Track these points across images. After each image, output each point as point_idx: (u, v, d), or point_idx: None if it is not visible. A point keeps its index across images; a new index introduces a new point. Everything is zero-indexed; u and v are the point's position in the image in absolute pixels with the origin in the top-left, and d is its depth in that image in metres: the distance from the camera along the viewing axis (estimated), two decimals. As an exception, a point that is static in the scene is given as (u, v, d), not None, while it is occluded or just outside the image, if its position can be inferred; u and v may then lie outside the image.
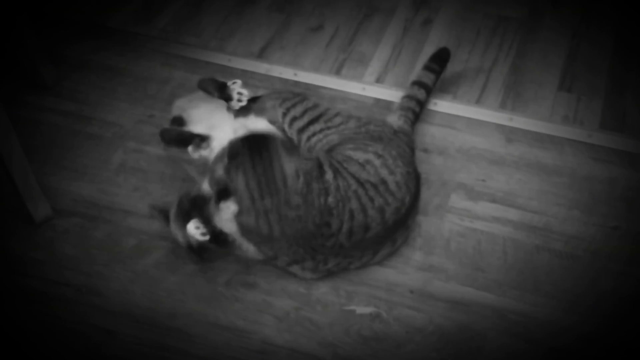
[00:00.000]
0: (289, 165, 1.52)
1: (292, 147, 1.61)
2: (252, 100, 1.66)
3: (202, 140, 1.59)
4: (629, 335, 1.54)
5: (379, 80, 2.04)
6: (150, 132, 1.91)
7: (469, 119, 1.93)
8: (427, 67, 1.94)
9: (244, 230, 1.55)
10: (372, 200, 1.56)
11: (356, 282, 1.62)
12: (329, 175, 1.56)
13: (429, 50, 2.10)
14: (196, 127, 1.63)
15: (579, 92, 2.00)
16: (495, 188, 1.78)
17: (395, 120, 1.80)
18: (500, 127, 1.91)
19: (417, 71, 1.98)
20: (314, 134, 1.70)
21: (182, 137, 1.61)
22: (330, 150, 1.66)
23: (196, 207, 1.58)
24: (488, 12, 2.21)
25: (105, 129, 1.93)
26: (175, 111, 1.72)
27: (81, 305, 1.60)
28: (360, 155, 1.62)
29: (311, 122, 1.71)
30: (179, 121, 1.67)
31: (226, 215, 1.54)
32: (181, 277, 1.63)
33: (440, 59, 1.96)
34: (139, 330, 1.56)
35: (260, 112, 1.66)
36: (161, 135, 1.67)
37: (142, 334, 1.55)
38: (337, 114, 1.74)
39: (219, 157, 1.56)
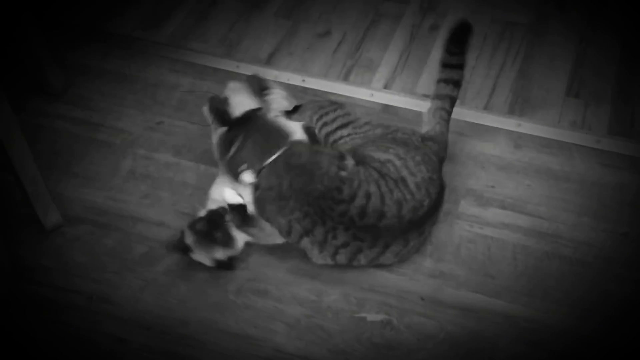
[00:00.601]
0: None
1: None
2: (294, 109, 1.77)
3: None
4: (636, 340, 1.53)
5: (387, 86, 2.05)
6: (159, 139, 1.92)
7: (477, 124, 1.94)
8: (449, 51, 1.79)
9: (259, 201, 1.60)
10: (391, 191, 1.58)
11: (367, 289, 1.62)
12: (349, 162, 1.60)
13: (436, 56, 2.10)
14: (234, 111, 1.71)
15: (586, 97, 2.00)
16: (505, 194, 1.78)
17: (432, 126, 1.76)
18: (508, 133, 1.92)
19: (425, 77, 1.99)
20: (340, 138, 1.72)
21: (223, 116, 1.70)
22: (352, 151, 1.68)
23: (213, 224, 1.62)
24: (495, 18, 2.22)
25: (114, 135, 1.93)
26: (227, 92, 1.78)
27: (92, 313, 1.60)
28: (381, 155, 1.64)
29: (339, 127, 1.74)
30: (224, 102, 1.73)
31: (246, 189, 1.62)
32: (192, 285, 1.64)
33: (459, 41, 1.79)
34: (150, 338, 1.56)
35: (298, 119, 1.75)
36: (210, 100, 1.74)
37: (152, 341, 1.55)
38: (366, 123, 1.77)
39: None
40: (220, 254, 1.62)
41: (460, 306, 1.59)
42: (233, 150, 1.65)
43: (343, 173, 1.58)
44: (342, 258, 1.60)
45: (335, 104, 1.83)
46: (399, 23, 2.21)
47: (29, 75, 2.00)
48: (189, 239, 1.62)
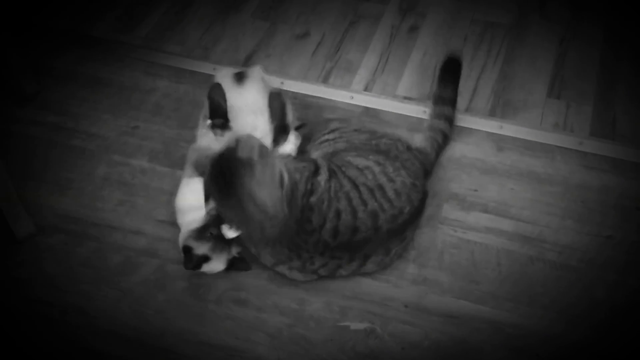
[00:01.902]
0: (263, 192, 1.45)
1: (266, 152, 1.51)
2: (299, 127, 1.76)
3: (222, 127, 1.64)
4: (624, 345, 1.52)
5: (367, 89, 2.02)
6: (134, 144, 1.87)
7: (459, 127, 1.91)
8: (442, 79, 1.86)
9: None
10: (364, 203, 1.54)
11: (349, 296, 1.59)
12: (322, 177, 1.54)
13: (416, 58, 2.09)
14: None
15: (568, 98, 1.99)
16: (488, 198, 1.76)
17: (421, 140, 1.78)
18: (490, 135, 1.90)
19: (406, 79, 1.96)
20: (326, 141, 1.70)
21: (217, 107, 1.65)
22: (333, 154, 1.65)
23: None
24: (475, 18, 2.20)
25: (88, 141, 1.88)
26: (219, 78, 1.75)
27: (67, 326, 1.55)
28: (360, 162, 1.60)
29: (328, 132, 1.72)
30: (220, 89, 1.70)
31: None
32: (170, 295, 1.59)
33: (452, 72, 1.87)
34: (128, 350, 1.52)
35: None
36: (211, 88, 1.70)
37: (130, 354, 1.51)
38: (355, 130, 1.74)
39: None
40: (234, 250, 1.59)
41: (444, 313, 1.56)
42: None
43: (312, 199, 1.51)
44: (323, 272, 1.57)
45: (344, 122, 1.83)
46: (378, 24, 2.18)
47: (-1, 80, 1.95)
48: (203, 249, 1.56)
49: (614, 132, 1.90)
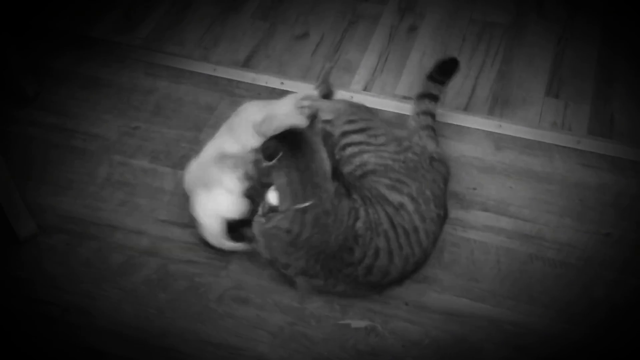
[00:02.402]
0: (327, 162, 1.51)
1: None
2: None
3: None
4: (623, 343, 1.53)
5: (366, 89, 2.02)
6: (135, 145, 1.88)
7: (457, 126, 1.92)
8: (432, 78, 1.83)
9: (269, 234, 1.53)
10: (400, 247, 1.53)
11: (350, 295, 1.59)
12: (356, 197, 1.54)
13: (415, 57, 2.09)
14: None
15: (566, 97, 2.00)
16: (487, 196, 1.77)
17: (430, 144, 1.73)
18: (489, 134, 1.90)
19: (405, 79, 1.97)
20: (352, 144, 1.65)
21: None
22: (362, 176, 1.61)
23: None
24: (473, 18, 2.20)
25: (89, 141, 1.89)
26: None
27: (68, 326, 1.56)
28: (395, 197, 1.57)
29: (355, 131, 1.67)
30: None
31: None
32: (171, 295, 1.60)
33: (446, 71, 1.84)
34: (129, 350, 1.52)
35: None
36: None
37: (132, 354, 1.52)
38: (383, 134, 1.69)
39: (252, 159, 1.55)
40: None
41: (444, 311, 1.57)
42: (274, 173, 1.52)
43: (359, 224, 1.51)
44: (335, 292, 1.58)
45: (369, 111, 1.79)
46: (377, 24, 2.19)
47: (-1, 81, 1.95)
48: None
49: (611, 131, 1.91)
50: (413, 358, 1.50)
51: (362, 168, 1.62)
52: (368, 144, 1.66)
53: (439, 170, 1.68)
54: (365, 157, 1.64)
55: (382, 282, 1.55)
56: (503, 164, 1.84)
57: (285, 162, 1.47)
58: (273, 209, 1.51)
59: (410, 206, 1.57)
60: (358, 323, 1.56)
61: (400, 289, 1.60)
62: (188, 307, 1.58)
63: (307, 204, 1.47)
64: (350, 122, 1.69)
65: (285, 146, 1.47)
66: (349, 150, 1.65)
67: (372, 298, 1.59)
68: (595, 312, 1.57)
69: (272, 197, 1.51)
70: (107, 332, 1.54)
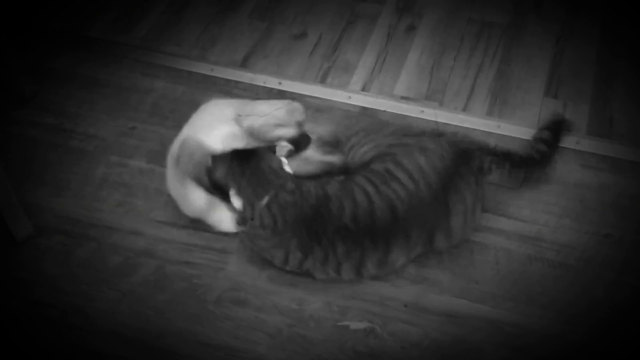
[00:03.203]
0: (275, 161, 1.59)
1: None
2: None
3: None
4: (623, 344, 1.53)
5: (364, 89, 2.02)
6: (132, 145, 1.87)
7: (456, 126, 1.91)
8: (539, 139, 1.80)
9: (250, 235, 1.60)
10: (378, 192, 1.56)
11: (349, 296, 1.59)
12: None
13: (413, 57, 2.09)
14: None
15: (565, 97, 1.99)
16: (486, 197, 1.76)
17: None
18: (488, 135, 1.90)
19: (403, 79, 1.96)
20: (357, 144, 1.71)
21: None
22: (367, 163, 1.66)
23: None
24: (472, 18, 2.20)
25: (86, 142, 1.88)
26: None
27: (66, 327, 1.55)
28: (382, 164, 1.62)
29: (362, 137, 1.73)
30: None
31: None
32: (169, 296, 1.59)
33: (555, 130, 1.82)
34: (128, 351, 1.51)
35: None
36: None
37: (130, 355, 1.51)
38: (389, 134, 1.73)
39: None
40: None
41: (444, 312, 1.57)
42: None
43: (328, 189, 1.57)
44: (347, 272, 1.57)
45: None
46: (376, 24, 2.19)
47: (-4, 81, 1.94)
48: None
49: (611, 131, 1.91)
50: (412, 359, 1.50)
51: (362, 158, 1.69)
52: (369, 137, 1.73)
53: (442, 145, 1.67)
54: (363, 150, 1.70)
55: (375, 229, 1.54)
56: (502, 165, 1.83)
57: (232, 174, 1.56)
58: (242, 214, 1.57)
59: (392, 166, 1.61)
60: (357, 324, 1.55)
61: (399, 291, 1.60)
62: (186, 308, 1.57)
63: (266, 198, 1.54)
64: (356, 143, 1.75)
65: (234, 160, 1.57)
66: (353, 151, 1.72)
67: (371, 299, 1.59)
68: (594, 312, 1.57)
69: (236, 202, 1.57)
70: (105, 333, 1.54)
